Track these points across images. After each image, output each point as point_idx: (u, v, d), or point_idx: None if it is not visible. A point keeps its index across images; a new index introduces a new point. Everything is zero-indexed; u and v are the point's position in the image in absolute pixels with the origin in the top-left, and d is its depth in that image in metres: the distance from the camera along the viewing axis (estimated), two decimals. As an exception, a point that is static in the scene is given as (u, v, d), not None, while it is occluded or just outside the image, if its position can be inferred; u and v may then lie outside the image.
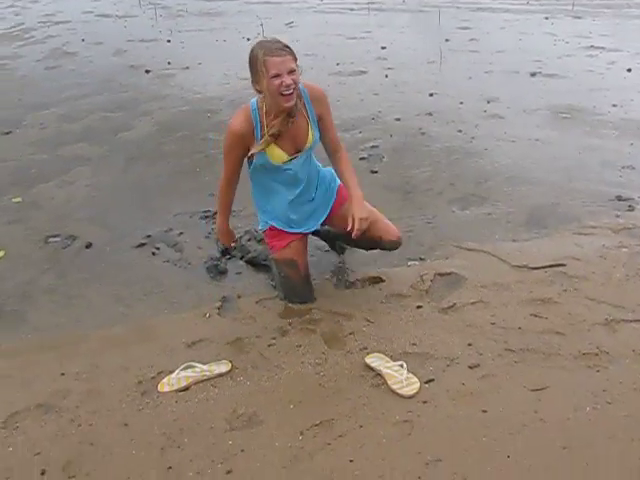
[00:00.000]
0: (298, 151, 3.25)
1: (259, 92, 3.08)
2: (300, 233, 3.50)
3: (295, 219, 3.46)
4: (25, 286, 3.94)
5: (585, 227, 4.34)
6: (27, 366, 3.15)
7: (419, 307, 3.41)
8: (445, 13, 12.36)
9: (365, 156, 5.63)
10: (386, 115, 6.69)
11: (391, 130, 6.20)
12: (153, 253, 4.23)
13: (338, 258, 4.02)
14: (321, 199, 3.50)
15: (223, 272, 3.97)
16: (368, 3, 14.00)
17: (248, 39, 10.79)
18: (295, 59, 3.00)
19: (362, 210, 3.23)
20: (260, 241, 4.26)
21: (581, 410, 2.61)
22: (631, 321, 3.24)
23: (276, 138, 3.15)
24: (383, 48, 9.90)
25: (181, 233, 4.44)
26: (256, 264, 4.02)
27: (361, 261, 3.94)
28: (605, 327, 3.19)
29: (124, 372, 3.02)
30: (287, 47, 2.99)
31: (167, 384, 2.89)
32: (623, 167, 5.30)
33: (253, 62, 3.01)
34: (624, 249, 4.02)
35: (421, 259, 3.97)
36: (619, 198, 4.74)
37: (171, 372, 2.96)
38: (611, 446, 2.43)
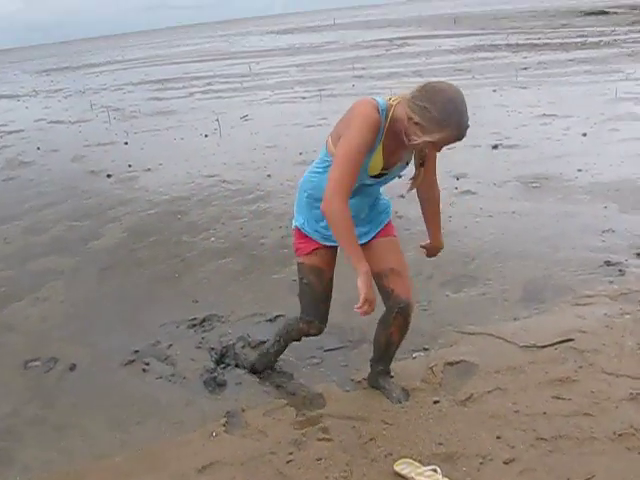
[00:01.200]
0: (388, 168, 2.93)
1: (408, 119, 2.64)
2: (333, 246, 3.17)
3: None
4: (8, 419, 3.65)
5: (582, 297, 4.30)
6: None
7: (436, 402, 3.26)
8: (396, 94, 12.65)
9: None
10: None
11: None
12: (144, 370, 4.00)
13: (342, 356, 3.86)
14: (369, 224, 3.16)
15: (222, 384, 3.77)
16: (319, 90, 14.30)
17: (206, 135, 10.87)
18: None
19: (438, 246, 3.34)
20: (255, 347, 4.10)
21: (635, 499, 2.47)
22: (656, 394, 3.14)
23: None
24: (341, 133, 10.01)
25: (170, 345, 4.23)
26: (256, 372, 3.83)
27: (364, 357, 3.78)
28: (632, 402, 3.09)
29: (136, 508, 2.78)
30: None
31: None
32: (603, 231, 5.33)
33: (435, 122, 2.55)
34: (627, 316, 3.97)
35: (425, 349, 3.84)
36: (608, 263, 4.73)
37: (187, 504, 2.72)
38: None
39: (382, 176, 2.94)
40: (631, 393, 3.15)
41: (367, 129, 2.67)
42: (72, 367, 4.10)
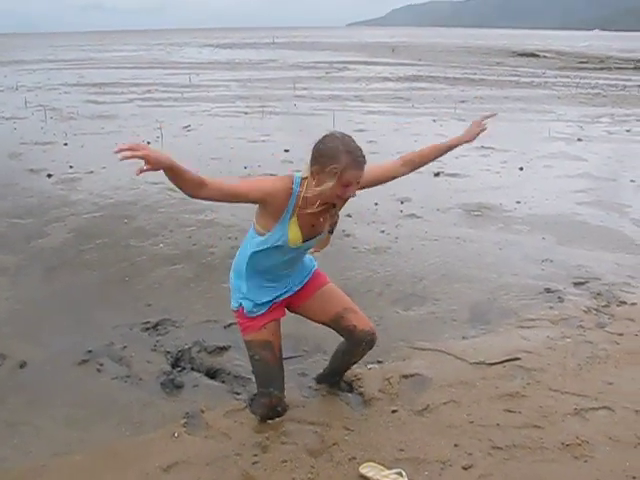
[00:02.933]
0: (312, 237, 3.10)
1: (312, 177, 2.90)
2: (274, 308, 3.30)
3: (269, 286, 3.27)
4: (-43, 416, 3.57)
5: (525, 320, 4.53)
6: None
7: (394, 411, 3.40)
8: (339, 116, 12.91)
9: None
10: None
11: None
12: (98, 370, 3.98)
13: (299, 365, 3.95)
14: (299, 275, 3.35)
15: (180, 386, 3.79)
16: (261, 106, 14.40)
17: (148, 142, 10.78)
18: None
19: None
20: (211, 352, 4.15)
21: (584, 504, 2.66)
22: (598, 409, 3.39)
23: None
24: (286, 151, 10.16)
25: (125, 347, 4.22)
26: (214, 376, 3.87)
27: (320, 366, 3.89)
28: (577, 416, 3.32)
29: (101, 505, 2.77)
30: (364, 156, 2.89)
31: (154, 515, 2.67)
32: (543, 260, 5.62)
33: (328, 156, 2.82)
34: (568, 339, 4.22)
35: (379, 362, 3.98)
36: (548, 290, 5.00)
37: (155, 501, 2.74)
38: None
39: (305, 243, 3.12)
40: (575, 408, 3.38)
41: (261, 183, 3.00)
42: (22, 364, 4.03)
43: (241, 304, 3.27)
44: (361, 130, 11.63)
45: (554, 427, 3.21)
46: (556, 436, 3.13)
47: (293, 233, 3.00)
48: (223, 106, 15.50)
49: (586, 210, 7.22)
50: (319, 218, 3.03)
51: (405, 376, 3.76)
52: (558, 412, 3.35)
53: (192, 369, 3.99)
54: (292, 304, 3.38)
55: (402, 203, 7.25)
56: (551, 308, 4.72)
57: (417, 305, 4.78)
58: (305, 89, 18.90)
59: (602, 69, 28.02)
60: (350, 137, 2.91)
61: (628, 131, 12.61)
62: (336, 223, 3.14)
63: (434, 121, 12.73)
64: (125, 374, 3.92)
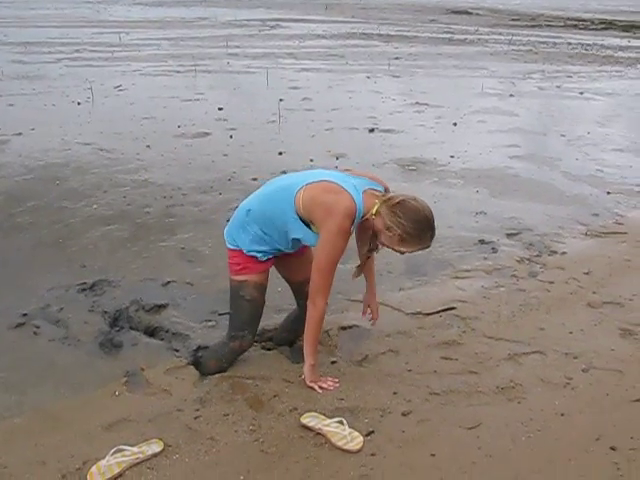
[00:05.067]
0: None
1: (388, 228, 2.96)
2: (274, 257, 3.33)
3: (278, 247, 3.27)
4: None
5: (460, 271, 4.64)
6: None
7: (334, 362, 3.45)
8: (272, 74, 12.76)
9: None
10: (242, 175, 6.75)
11: (251, 190, 6.05)
12: (35, 333, 3.90)
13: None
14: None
15: (118, 345, 3.76)
16: (194, 65, 14.11)
17: (79, 103, 10.48)
18: None
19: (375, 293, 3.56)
20: (149, 311, 4.12)
21: (518, 440, 2.79)
22: (530, 353, 3.52)
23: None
24: (220, 109, 10.01)
25: (61, 309, 4.14)
26: (153, 334, 3.85)
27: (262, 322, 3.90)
28: (510, 361, 3.43)
29: (42, 467, 2.74)
30: None
31: (97, 473, 2.66)
32: (477, 213, 5.73)
33: (419, 233, 2.96)
34: (502, 288, 4.35)
35: (318, 314, 4.00)
36: (482, 242, 5.12)
37: (98, 460, 2.73)
38: (554, 469, 2.59)
39: None
40: (509, 353, 3.50)
41: (343, 241, 2.99)
42: (-47, 329, 3.93)
43: (251, 251, 3.23)
44: (295, 87, 11.55)
45: (489, 372, 3.32)
46: (491, 380, 3.24)
47: None
48: (155, 65, 15.10)
49: (518, 164, 7.37)
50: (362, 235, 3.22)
51: (343, 327, 3.82)
52: (493, 358, 3.46)
53: (130, 328, 3.96)
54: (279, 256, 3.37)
55: (337, 159, 7.26)
56: (485, 259, 4.84)
57: (353, 259, 4.80)
58: (238, 47, 18.56)
59: (534, 27, 28.36)
60: (433, 217, 3.02)
61: (558, 87, 12.87)
62: (374, 250, 3.26)
63: (368, 78, 12.70)
64: (62, 336, 3.86)
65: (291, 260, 3.41)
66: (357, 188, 3.01)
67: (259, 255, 3.21)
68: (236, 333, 3.34)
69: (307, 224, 3.06)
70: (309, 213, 3.02)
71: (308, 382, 3.20)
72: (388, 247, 3.07)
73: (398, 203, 2.95)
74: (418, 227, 2.94)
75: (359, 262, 3.30)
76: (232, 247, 3.27)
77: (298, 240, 3.17)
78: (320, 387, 3.18)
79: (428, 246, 3.05)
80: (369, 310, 3.58)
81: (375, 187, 3.11)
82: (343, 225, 2.95)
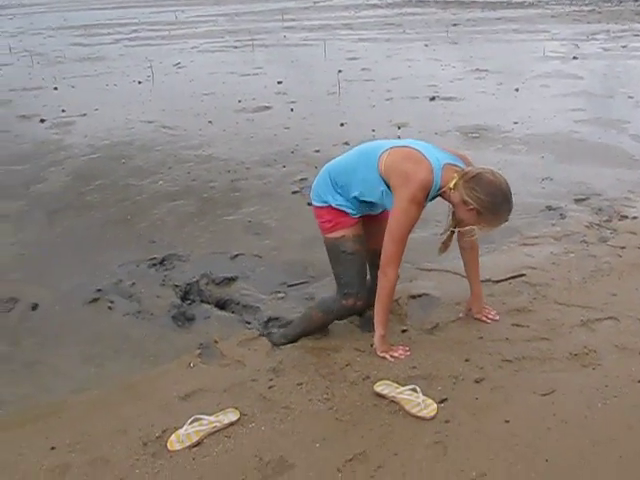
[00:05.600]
0: None
1: (464, 202, 2.93)
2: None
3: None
4: (-29, 357, 3.62)
5: (528, 238, 4.56)
6: (5, 445, 2.84)
7: (404, 331, 3.45)
8: (330, 45, 12.69)
9: (297, 189, 5.67)
10: (304, 148, 6.77)
11: (314, 162, 6.24)
12: (109, 307, 4.03)
13: (306, 290, 4.00)
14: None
15: (191, 319, 3.85)
16: (251, 40, 14.15)
17: (139, 82, 10.65)
18: None
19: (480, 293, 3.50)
20: (219, 284, 4.19)
21: (594, 407, 2.74)
22: (603, 319, 3.44)
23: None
24: (279, 83, 10.03)
25: (133, 284, 4.26)
26: (224, 307, 3.92)
27: (327, 291, 3.91)
28: (583, 327, 3.36)
29: (123, 436, 2.83)
30: None
31: (177, 441, 2.74)
32: (543, 179, 5.62)
33: (495, 207, 2.93)
34: (571, 254, 4.26)
35: (387, 284, 4.00)
36: (549, 208, 5.02)
37: (176, 429, 2.80)
38: (632, 436, 2.55)
39: None
40: (582, 320, 3.43)
41: (416, 211, 2.99)
42: (34, 307, 4.08)
43: (339, 204, 3.24)
44: (353, 58, 11.47)
45: (562, 338, 3.27)
46: (564, 347, 3.19)
47: None
48: (212, 42, 15.23)
49: (584, 128, 7.18)
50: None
51: (413, 296, 3.81)
52: (565, 324, 3.40)
53: (202, 301, 4.05)
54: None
55: (399, 128, 7.21)
56: (553, 225, 4.75)
57: (420, 227, 4.75)
58: (294, 20, 18.55)
59: (596, -16, 27.40)
60: (510, 189, 3.00)
61: (624, 47, 12.44)
62: (457, 225, 3.17)
63: (426, 46, 12.52)
64: (136, 310, 3.97)
65: (371, 224, 3.37)
66: (439, 160, 2.98)
67: (349, 210, 3.22)
68: (348, 291, 3.28)
69: (388, 185, 3.05)
70: (388, 177, 3.03)
71: (379, 352, 3.21)
72: (467, 223, 3.02)
73: (474, 177, 2.91)
74: (494, 201, 2.90)
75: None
76: (320, 204, 3.29)
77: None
78: (392, 356, 3.18)
79: (506, 220, 3.02)
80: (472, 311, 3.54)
81: (458, 164, 3.07)
82: (417, 196, 2.94)
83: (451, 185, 2.95)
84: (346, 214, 3.23)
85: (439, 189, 2.99)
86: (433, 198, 3.07)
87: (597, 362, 3.06)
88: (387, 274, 3.09)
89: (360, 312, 3.58)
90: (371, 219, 3.36)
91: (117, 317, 3.93)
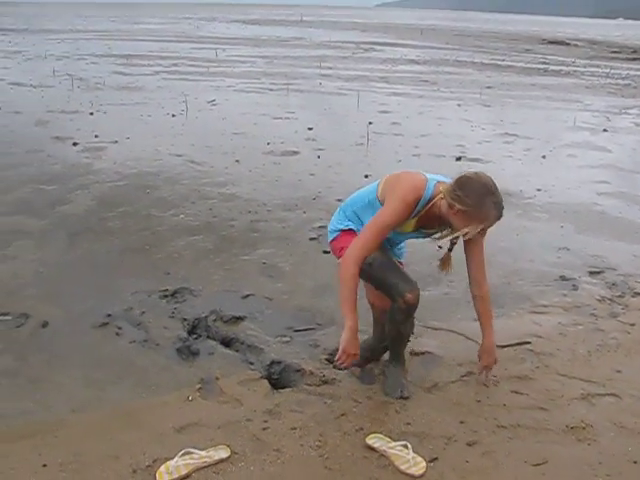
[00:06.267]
0: (422, 227, 3.28)
1: (450, 205, 3.00)
2: None
3: None
4: (-23, 369, 3.69)
5: (538, 306, 4.57)
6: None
7: (404, 387, 3.46)
8: (363, 96, 12.91)
9: (315, 236, 5.73)
10: (327, 196, 6.85)
11: (335, 211, 6.29)
12: (117, 333, 4.09)
13: (311, 336, 4.04)
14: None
15: (196, 353, 3.89)
16: (287, 84, 14.42)
17: (173, 115, 10.87)
18: None
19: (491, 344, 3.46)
20: (227, 322, 4.24)
21: (585, 484, 2.72)
22: (604, 395, 3.43)
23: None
24: (310, 129, 10.19)
25: (143, 312, 4.32)
26: (229, 345, 3.97)
27: (333, 338, 3.95)
28: (583, 401, 3.36)
29: (114, 461, 2.87)
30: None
31: (166, 472, 2.77)
32: (559, 248, 5.64)
33: (479, 201, 2.96)
34: (579, 326, 4.26)
35: (392, 338, 4.02)
36: (563, 278, 5.03)
37: (167, 459, 2.84)
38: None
39: (417, 231, 3.31)
40: (582, 393, 3.43)
41: (402, 211, 3.06)
42: (44, 324, 4.15)
43: (348, 226, 3.37)
44: (385, 111, 11.64)
45: (560, 410, 3.27)
46: (561, 419, 3.19)
47: (406, 226, 3.22)
48: (248, 82, 15.54)
49: (606, 201, 7.20)
50: (435, 223, 3.23)
51: (416, 353, 3.83)
52: (565, 396, 3.40)
53: (208, 337, 4.09)
54: None
55: (422, 185, 7.26)
56: (565, 295, 4.76)
57: (432, 286, 4.83)
58: (331, 68, 18.88)
59: (634, 59, 27.62)
60: (493, 183, 3.07)
61: (656, 124, 12.50)
62: (455, 243, 3.29)
63: (459, 105, 12.69)
64: (143, 338, 4.03)
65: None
66: (433, 178, 3.15)
67: (359, 228, 3.31)
68: (402, 288, 3.22)
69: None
70: (384, 189, 3.20)
71: (339, 356, 3.08)
72: (459, 228, 3.05)
73: (456, 180, 3.03)
74: (476, 195, 2.96)
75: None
76: (333, 237, 3.44)
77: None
78: (340, 356, 3.08)
79: (499, 214, 3.03)
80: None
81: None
82: (407, 196, 3.05)
83: (441, 188, 3.06)
84: (356, 233, 3.31)
85: (430, 199, 3.08)
86: (421, 211, 3.12)
87: (593, 438, 3.06)
88: (345, 260, 3.10)
89: (360, 365, 3.60)
90: None
91: (123, 344, 3.98)
